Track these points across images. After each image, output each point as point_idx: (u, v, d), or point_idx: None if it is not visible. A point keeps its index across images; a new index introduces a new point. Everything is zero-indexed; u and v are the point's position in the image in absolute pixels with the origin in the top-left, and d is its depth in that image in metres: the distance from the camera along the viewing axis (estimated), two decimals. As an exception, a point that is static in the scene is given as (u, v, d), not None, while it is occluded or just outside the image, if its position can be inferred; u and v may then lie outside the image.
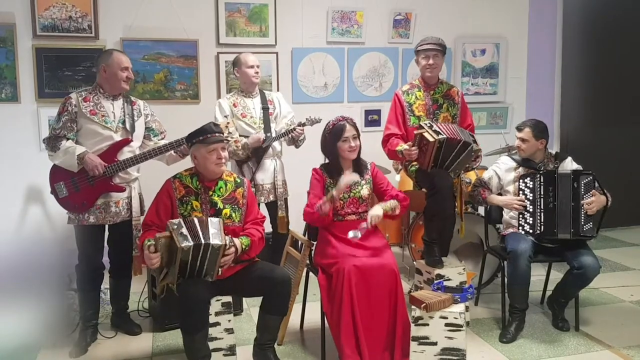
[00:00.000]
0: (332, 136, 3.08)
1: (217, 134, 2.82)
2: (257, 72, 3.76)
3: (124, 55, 3.16)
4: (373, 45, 5.00)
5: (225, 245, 2.68)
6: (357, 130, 3.11)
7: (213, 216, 2.81)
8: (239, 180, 2.97)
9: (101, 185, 3.06)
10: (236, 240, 2.78)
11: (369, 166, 3.20)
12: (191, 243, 2.59)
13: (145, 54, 4.49)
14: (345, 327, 2.78)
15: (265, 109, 3.77)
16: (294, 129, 3.66)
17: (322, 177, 3.13)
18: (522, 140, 3.40)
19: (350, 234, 2.89)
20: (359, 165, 3.15)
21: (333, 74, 4.93)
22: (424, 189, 3.36)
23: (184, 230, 2.62)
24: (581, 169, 3.44)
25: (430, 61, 3.46)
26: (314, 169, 3.17)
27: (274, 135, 3.73)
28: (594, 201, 3.23)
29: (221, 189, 2.89)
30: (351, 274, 2.81)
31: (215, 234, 2.66)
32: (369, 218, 2.94)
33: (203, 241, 2.62)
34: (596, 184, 3.29)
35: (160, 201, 2.84)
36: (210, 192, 2.86)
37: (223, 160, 2.86)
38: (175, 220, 2.67)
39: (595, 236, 3.29)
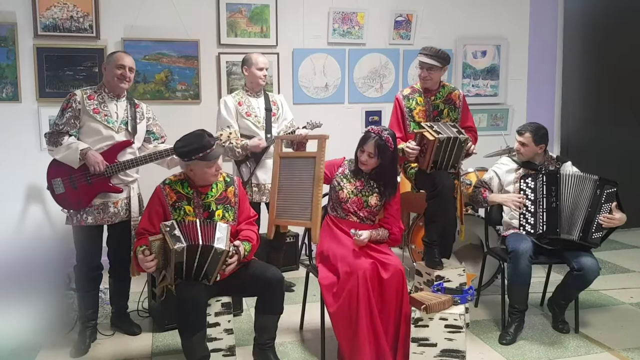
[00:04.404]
0: (360, 140, 3.08)
1: (214, 148, 2.79)
2: (265, 75, 3.78)
3: (127, 56, 3.14)
4: (374, 47, 5.00)
5: (229, 252, 2.68)
6: (379, 150, 2.99)
7: (206, 219, 2.80)
8: (228, 180, 2.97)
9: (99, 184, 3.05)
10: (240, 248, 2.78)
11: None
12: (184, 244, 2.58)
13: (146, 54, 4.49)
14: (362, 329, 2.73)
15: (268, 110, 3.79)
16: (294, 131, 3.68)
17: (334, 164, 3.18)
18: (522, 144, 3.41)
19: (352, 231, 2.93)
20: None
21: (334, 74, 4.93)
22: (422, 191, 3.35)
23: (177, 232, 2.62)
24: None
25: (424, 73, 3.41)
26: (344, 158, 3.22)
27: (274, 136, 3.74)
28: (615, 218, 3.21)
29: (213, 190, 2.89)
30: (367, 274, 2.78)
31: (221, 238, 2.65)
32: (359, 234, 2.93)
33: (201, 242, 2.61)
34: (617, 202, 3.26)
35: (152, 208, 2.83)
36: (203, 196, 2.86)
37: (221, 171, 2.87)
38: (168, 222, 2.67)
39: (599, 245, 3.28)
